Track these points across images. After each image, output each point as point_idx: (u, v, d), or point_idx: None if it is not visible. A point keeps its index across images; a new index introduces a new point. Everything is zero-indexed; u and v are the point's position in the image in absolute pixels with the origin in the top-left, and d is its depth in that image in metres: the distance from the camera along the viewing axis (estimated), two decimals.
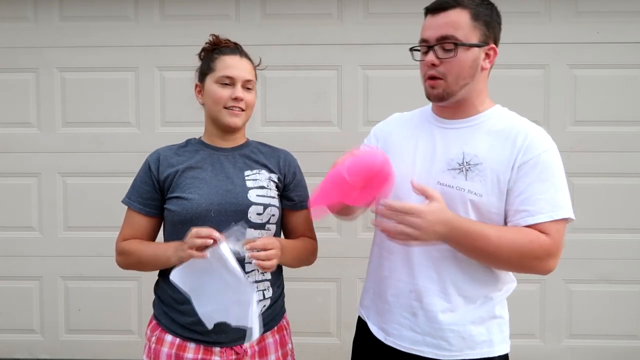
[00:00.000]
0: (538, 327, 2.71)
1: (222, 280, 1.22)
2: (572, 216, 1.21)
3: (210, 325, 1.30)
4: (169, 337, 1.38)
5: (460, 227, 1.14)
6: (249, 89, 1.41)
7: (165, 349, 1.37)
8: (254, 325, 1.23)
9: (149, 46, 2.71)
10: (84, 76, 2.74)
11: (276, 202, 1.42)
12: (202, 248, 1.21)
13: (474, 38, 1.23)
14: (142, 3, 2.72)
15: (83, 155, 2.75)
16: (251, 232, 1.37)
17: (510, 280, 1.35)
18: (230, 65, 1.39)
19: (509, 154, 1.22)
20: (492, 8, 1.27)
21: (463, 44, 1.21)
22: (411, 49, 1.31)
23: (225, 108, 1.38)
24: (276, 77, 2.69)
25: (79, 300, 2.82)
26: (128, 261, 1.42)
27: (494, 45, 1.27)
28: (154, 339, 1.41)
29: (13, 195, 2.78)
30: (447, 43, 1.22)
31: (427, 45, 1.25)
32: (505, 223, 1.24)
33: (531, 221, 1.18)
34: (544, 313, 2.71)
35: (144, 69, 2.73)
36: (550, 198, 1.19)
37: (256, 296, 1.25)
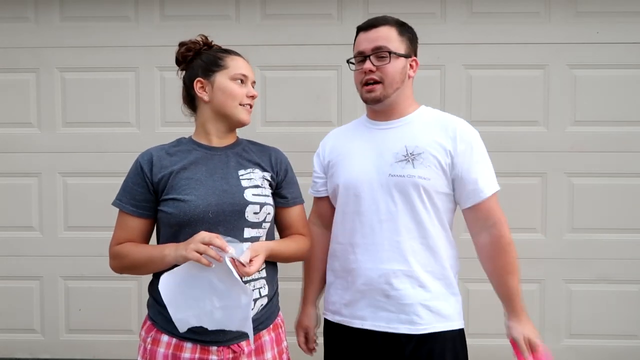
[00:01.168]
0: (538, 326, 2.67)
1: (210, 287, 1.24)
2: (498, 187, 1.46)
3: (183, 330, 1.29)
4: (165, 338, 1.37)
5: (521, 304, 1.50)
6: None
7: (161, 350, 1.37)
8: (250, 328, 1.28)
9: (149, 46, 2.71)
10: (84, 76, 2.74)
11: (270, 200, 1.43)
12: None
13: (402, 50, 1.46)
14: (142, 3, 2.72)
15: (83, 155, 2.75)
16: (248, 232, 1.37)
17: (457, 259, 1.52)
18: (243, 65, 1.45)
19: (444, 140, 1.42)
20: (411, 29, 1.52)
21: (395, 53, 1.44)
22: (348, 61, 1.53)
23: (241, 105, 1.43)
24: (276, 77, 2.70)
25: (79, 300, 2.82)
26: (122, 264, 1.40)
27: (415, 58, 1.51)
28: (149, 339, 1.40)
29: (13, 195, 2.79)
30: (382, 52, 1.44)
31: (363, 56, 1.46)
32: (455, 204, 1.49)
33: (482, 196, 1.41)
34: (544, 313, 2.71)
35: (144, 69, 2.73)
36: (487, 176, 1.43)
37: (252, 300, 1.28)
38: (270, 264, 1.45)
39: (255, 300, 1.38)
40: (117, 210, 1.43)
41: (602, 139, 2.64)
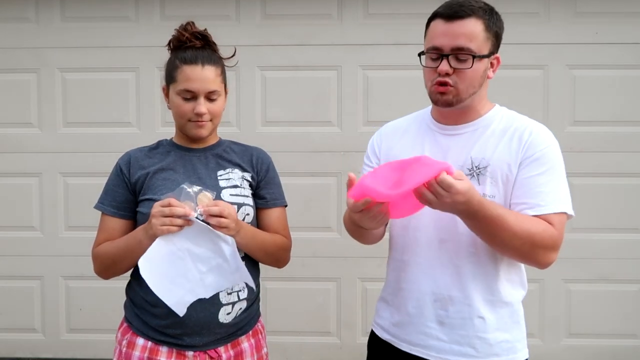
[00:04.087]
0: (537, 326, 2.71)
1: (190, 255, 1.24)
2: (573, 213, 1.23)
3: (183, 312, 1.27)
4: (140, 341, 1.36)
5: (480, 210, 1.11)
6: (212, 99, 1.35)
7: (137, 353, 1.35)
8: (248, 276, 1.29)
9: (150, 46, 2.71)
10: (85, 76, 2.75)
11: (250, 201, 1.39)
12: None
13: (486, 49, 1.23)
14: (142, 4, 2.73)
15: (84, 155, 2.76)
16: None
17: (524, 284, 1.38)
18: (191, 77, 1.31)
19: (515, 152, 1.24)
20: (500, 18, 1.27)
21: (477, 56, 1.21)
22: (420, 54, 1.29)
23: (190, 121, 1.34)
24: (276, 77, 2.71)
25: (80, 300, 2.83)
26: (103, 264, 1.39)
27: (498, 55, 1.28)
28: (125, 342, 1.38)
29: (14, 195, 2.79)
30: (463, 54, 1.20)
31: (439, 54, 1.22)
32: None
33: (533, 213, 1.19)
34: (543, 312, 2.71)
35: (145, 69, 2.74)
36: (552, 191, 1.21)
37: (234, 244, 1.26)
38: (251, 265, 1.39)
39: (233, 304, 1.34)
40: None
41: (602, 139, 2.64)
